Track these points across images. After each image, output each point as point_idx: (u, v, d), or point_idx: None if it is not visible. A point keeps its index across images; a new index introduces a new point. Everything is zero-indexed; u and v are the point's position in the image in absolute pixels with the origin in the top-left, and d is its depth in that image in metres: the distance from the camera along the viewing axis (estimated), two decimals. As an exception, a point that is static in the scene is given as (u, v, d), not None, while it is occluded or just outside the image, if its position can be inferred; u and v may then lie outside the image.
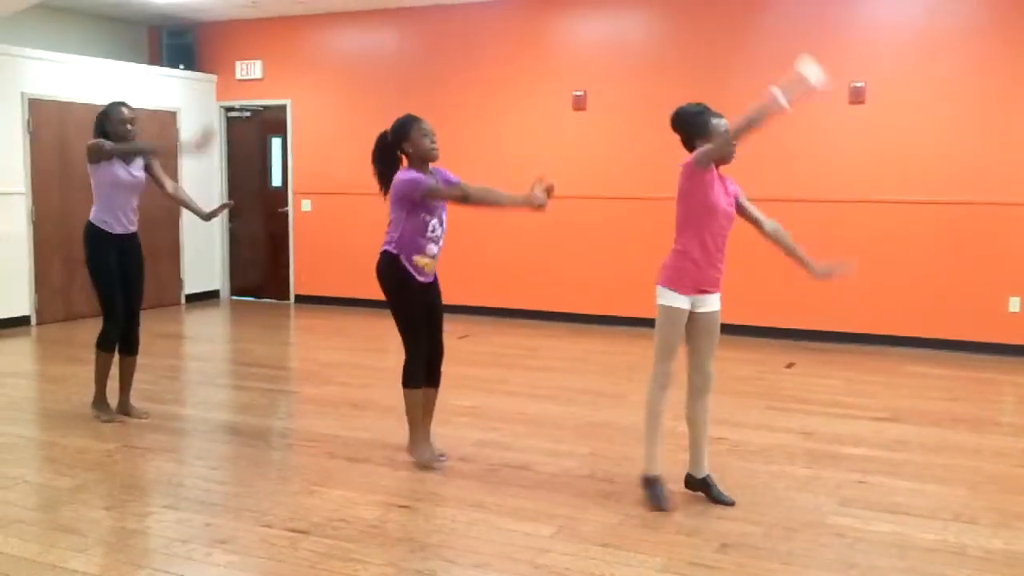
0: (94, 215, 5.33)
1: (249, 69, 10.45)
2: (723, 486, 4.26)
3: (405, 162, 4.57)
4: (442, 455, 4.74)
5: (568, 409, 5.84)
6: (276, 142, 10.57)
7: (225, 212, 10.66)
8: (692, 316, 4.05)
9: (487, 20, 9.28)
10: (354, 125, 9.95)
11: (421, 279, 4.53)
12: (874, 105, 7.87)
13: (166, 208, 9.94)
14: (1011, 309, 7.58)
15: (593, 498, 4.23)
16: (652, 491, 4.10)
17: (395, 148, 4.55)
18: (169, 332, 8.83)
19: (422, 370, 4.60)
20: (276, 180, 10.66)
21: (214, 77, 10.61)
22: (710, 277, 4.04)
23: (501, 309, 9.37)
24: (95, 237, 5.33)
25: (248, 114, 10.64)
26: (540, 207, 4.24)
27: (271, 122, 10.52)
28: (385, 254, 4.54)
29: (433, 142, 4.51)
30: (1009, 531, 3.86)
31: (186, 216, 10.24)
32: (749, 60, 8.28)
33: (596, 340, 8.22)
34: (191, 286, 10.50)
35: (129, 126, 5.28)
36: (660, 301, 4.04)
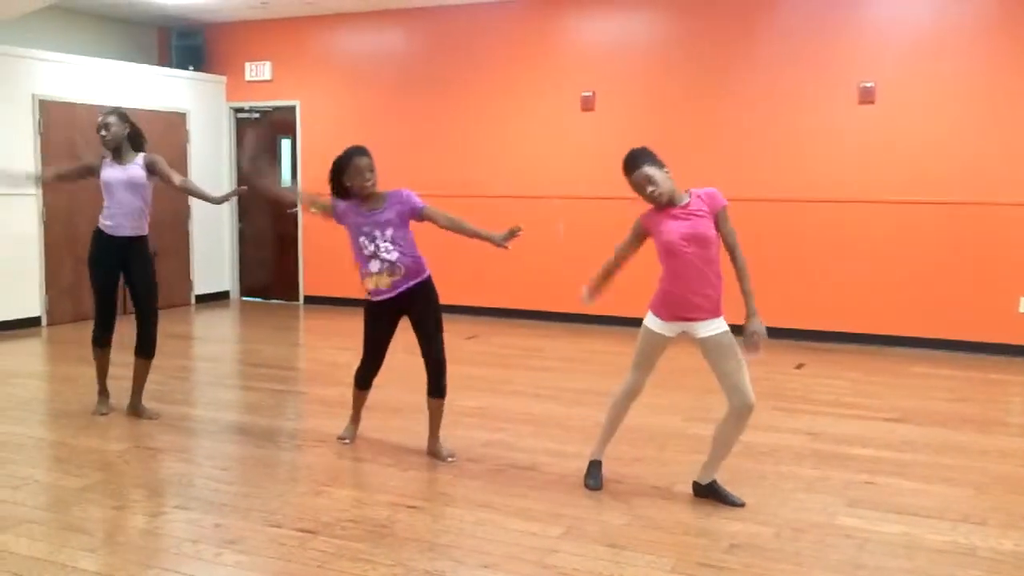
0: (100, 217, 5.44)
1: (258, 70, 10.48)
2: (731, 487, 4.26)
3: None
4: (451, 455, 4.76)
5: (574, 409, 5.84)
6: (285, 143, 10.60)
7: (235, 213, 10.73)
8: (699, 342, 4.06)
9: (495, 20, 9.29)
10: (363, 125, 9.97)
11: (379, 298, 4.70)
12: (884, 105, 7.86)
13: (174, 209, 10.00)
14: (1021, 309, 7.56)
15: (601, 498, 4.23)
16: (589, 471, 4.38)
17: (340, 177, 4.76)
18: (179, 333, 8.86)
19: (367, 376, 4.96)
20: (285, 181, 10.67)
21: (223, 78, 10.64)
22: (693, 304, 4.01)
23: (504, 310, 9.38)
24: (93, 238, 5.48)
25: (257, 115, 10.67)
26: (501, 246, 4.56)
27: (280, 123, 10.54)
28: None
29: (366, 179, 4.68)
30: (1019, 532, 3.85)
31: (195, 217, 10.29)
32: (757, 60, 8.27)
33: (600, 340, 8.22)
34: (200, 287, 10.54)
35: (102, 131, 5.39)
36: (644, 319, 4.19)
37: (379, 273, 4.66)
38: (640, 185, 4.05)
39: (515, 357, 7.55)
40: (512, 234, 4.53)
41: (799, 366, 7.17)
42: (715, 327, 4.03)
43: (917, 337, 7.87)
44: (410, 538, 3.75)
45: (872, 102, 7.88)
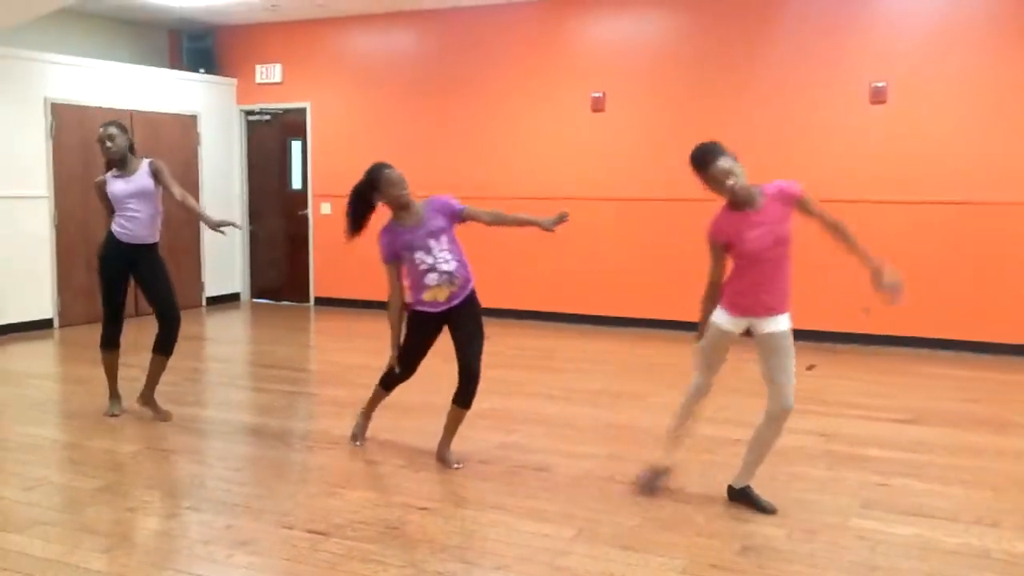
0: (113, 224, 5.45)
1: (269, 72, 10.50)
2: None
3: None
4: (459, 463, 4.71)
5: (586, 411, 5.83)
6: (296, 145, 10.62)
7: (247, 214, 10.76)
8: (759, 337, 4.03)
9: (505, 22, 9.29)
10: (374, 128, 9.99)
11: (434, 310, 4.63)
12: (896, 105, 7.83)
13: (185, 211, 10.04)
14: (1034, 310, 7.52)
15: (613, 500, 4.22)
16: (647, 473, 4.28)
17: (369, 195, 4.69)
18: (191, 334, 8.87)
19: (397, 380, 4.92)
20: (296, 183, 10.70)
21: (234, 81, 10.67)
22: (764, 303, 3.98)
23: (516, 311, 9.37)
24: (106, 239, 5.48)
25: (268, 117, 10.69)
26: (549, 230, 4.62)
27: (291, 125, 10.57)
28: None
29: (402, 190, 4.63)
30: (1033, 534, 3.83)
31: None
32: (768, 60, 8.26)
33: (612, 341, 8.21)
34: (212, 289, 10.57)
35: (108, 143, 5.36)
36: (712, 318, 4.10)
37: (438, 286, 4.57)
38: (719, 179, 3.90)
39: (527, 358, 7.54)
40: (561, 219, 4.53)
41: (810, 367, 7.15)
42: (780, 324, 4.00)
43: (927, 337, 7.83)
44: (422, 540, 3.75)
45: (884, 102, 7.85)
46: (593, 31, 9.02)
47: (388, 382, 4.97)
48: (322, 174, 10.32)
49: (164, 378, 5.72)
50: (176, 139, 10.01)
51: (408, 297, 4.68)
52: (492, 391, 6.31)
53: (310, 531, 3.83)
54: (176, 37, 10.63)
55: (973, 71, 7.58)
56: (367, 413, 5.11)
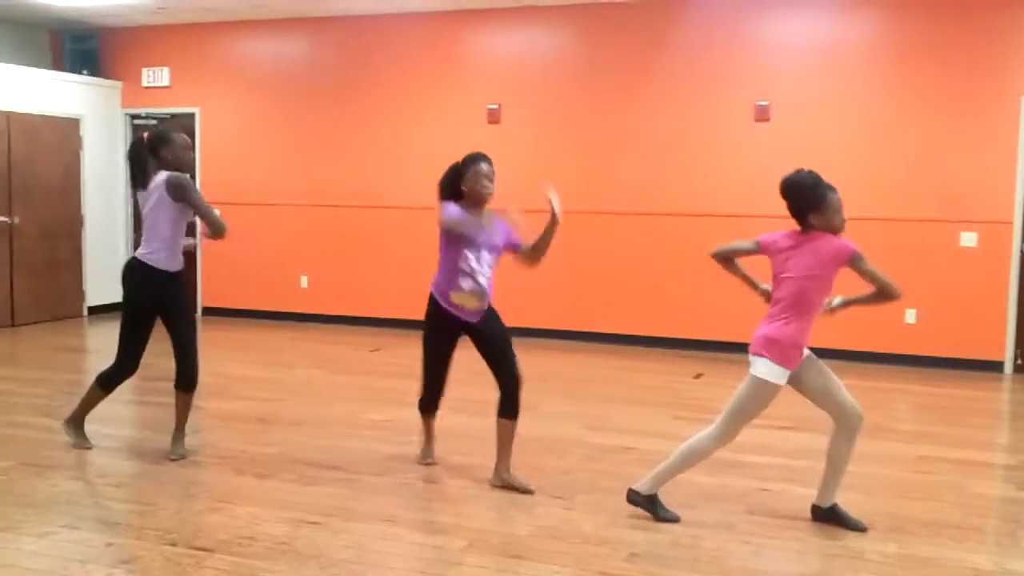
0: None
1: (156, 76, 10.22)
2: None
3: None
4: (528, 487, 4.50)
5: (479, 421, 5.82)
6: (184, 151, 10.34)
7: (131, 221, 10.43)
8: (796, 374, 4.03)
9: (400, 32, 9.26)
10: (265, 135, 9.82)
11: (456, 313, 4.52)
12: (778, 122, 8.12)
13: (66, 217, 9.68)
14: (908, 321, 7.88)
15: (504, 510, 4.24)
16: (655, 505, 4.13)
17: (458, 182, 4.55)
18: (70, 346, 8.56)
19: (434, 398, 4.83)
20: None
21: (119, 84, 10.35)
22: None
23: (409, 321, 9.31)
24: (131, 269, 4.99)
25: (155, 122, 10.39)
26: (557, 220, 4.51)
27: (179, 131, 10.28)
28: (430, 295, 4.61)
29: (486, 186, 4.55)
30: (903, 535, 4.01)
31: (88, 226, 9.97)
32: (658, 77, 8.46)
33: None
34: (94, 298, 10.19)
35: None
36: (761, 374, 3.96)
37: (469, 293, 4.47)
38: (838, 209, 3.97)
39: (420, 369, 7.49)
40: (551, 200, 4.46)
41: (698, 376, 7.33)
42: (807, 353, 4.04)
43: (813, 348, 8.09)
44: (311, 554, 3.70)
45: (768, 120, 8.14)
46: (488, 43, 9.08)
47: (428, 404, 4.86)
48: (212, 181, 10.06)
49: (39, 391, 5.49)
50: (57, 142, 9.64)
51: (433, 283, 4.56)
52: (384, 401, 6.28)
53: (195, 548, 3.72)
54: (58, 38, 10.25)
55: (849, 91, 7.93)
56: (429, 438, 4.97)
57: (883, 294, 3.95)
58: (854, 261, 3.89)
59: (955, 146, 7.71)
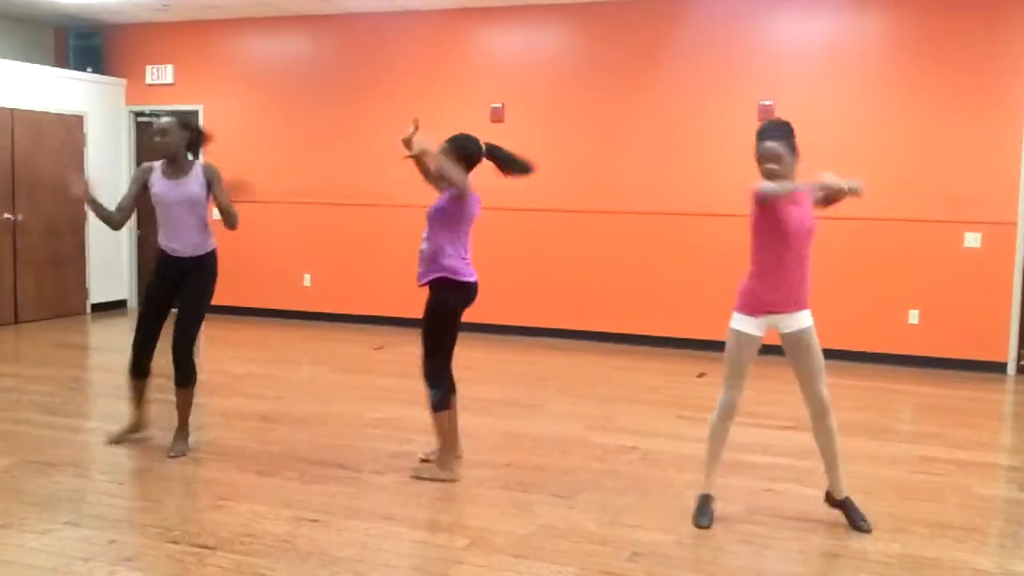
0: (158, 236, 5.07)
1: (160, 73, 10.22)
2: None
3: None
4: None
5: (483, 419, 5.84)
6: (187, 148, 10.35)
7: (135, 219, 10.43)
8: (784, 336, 4.04)
9: (404, 30, 9.26)
10: (268, 132, 9.82)
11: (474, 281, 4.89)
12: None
13: (70, 214, 9.68)
14: (911, 321, 7.87)
15: (507, 509, 4.24)
16: (698, 507, 4.10)
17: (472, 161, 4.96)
18: (73, 343, 8.56)
19: (452, 386, 4.86)
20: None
21: (123, 81, 10.35)
22: (786, 298, 4.00)
23: (412, 319, 9.32)
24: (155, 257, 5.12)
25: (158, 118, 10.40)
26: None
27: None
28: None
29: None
30: (906, 535, 4.00)
31: (91, 223, 9.98)
32: (663, 77, 8.45)
33: (508, 351, 8.25)
34: (97, 295, 10.20)
35: (157, 138, 5.12)
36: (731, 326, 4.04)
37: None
38: (760, 159, 4.18)
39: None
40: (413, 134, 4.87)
41: (701, 375, 7.32)
42: (802, 320, 4.04)
43: (824, 348, 8.09)
44: (312, 552, 3.69)
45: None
46: (492, 42, 9.07)
47: (448, 394, 4.82)
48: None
49: (41, 388, 5.49)
50: (60, 139, 9.65)
51: (445, 270, 4.74)
52: (386, 399, 6.27)
53: (197, 545, 3.72)
54: (63, 35, 10.25)
55: (854, 91, 7.91)
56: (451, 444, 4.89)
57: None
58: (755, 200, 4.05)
59: (960, 147, 7.70)
